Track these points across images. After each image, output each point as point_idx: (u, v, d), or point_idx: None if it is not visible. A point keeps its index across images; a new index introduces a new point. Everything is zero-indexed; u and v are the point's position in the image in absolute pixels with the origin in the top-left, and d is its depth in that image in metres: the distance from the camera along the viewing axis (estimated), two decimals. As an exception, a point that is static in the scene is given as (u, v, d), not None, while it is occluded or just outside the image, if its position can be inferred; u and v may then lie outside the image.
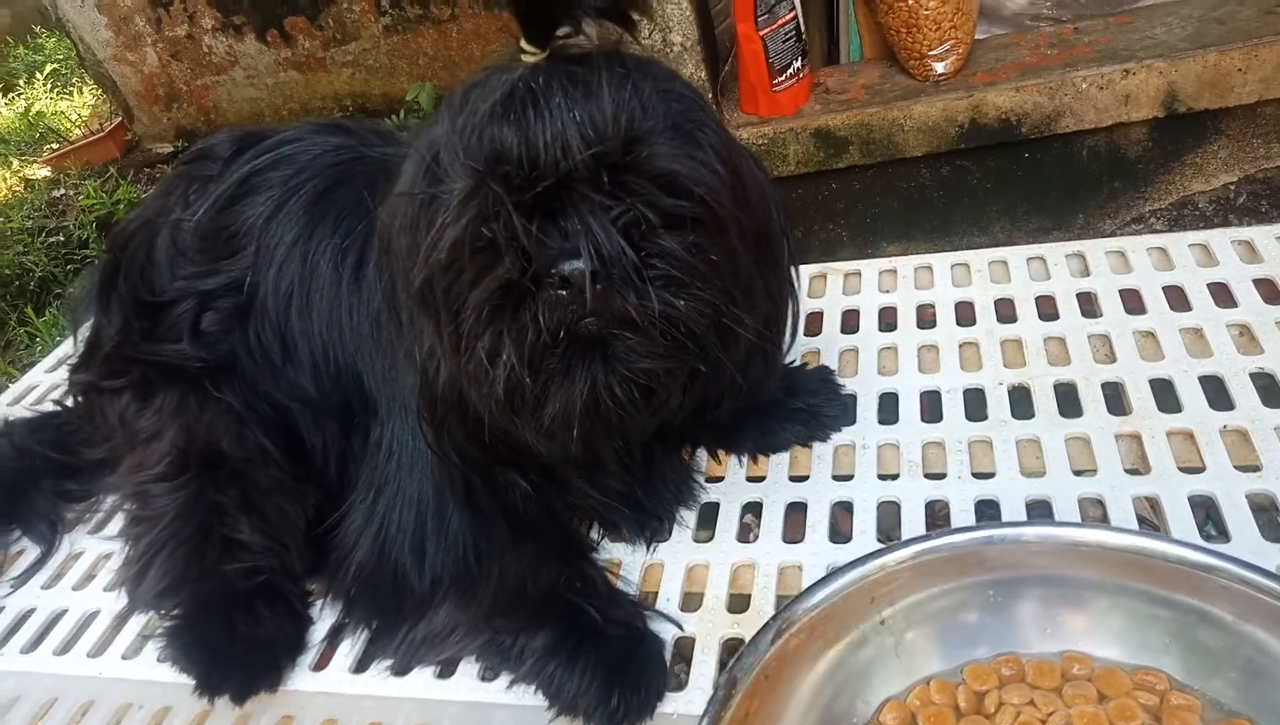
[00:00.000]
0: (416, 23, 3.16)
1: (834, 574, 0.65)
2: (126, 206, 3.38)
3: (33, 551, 1.00)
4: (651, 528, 0.86)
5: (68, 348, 1.31)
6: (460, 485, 0.82)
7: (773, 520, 0.83)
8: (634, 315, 0.59)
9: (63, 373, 1.26)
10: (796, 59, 1.62)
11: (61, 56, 4.72)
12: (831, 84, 1.68)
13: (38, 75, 4.52)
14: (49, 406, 1.11)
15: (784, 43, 1.60)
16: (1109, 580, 0.60)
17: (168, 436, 0.92)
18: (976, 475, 0.82)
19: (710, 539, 0.84)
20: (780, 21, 1.57)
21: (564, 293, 0.59)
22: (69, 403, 1.09)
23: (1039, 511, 0.79)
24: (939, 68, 1.58)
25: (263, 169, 0.94)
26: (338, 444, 0.93)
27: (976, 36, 1.62)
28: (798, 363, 0.96)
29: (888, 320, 1.01)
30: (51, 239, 3.36)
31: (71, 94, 4.42)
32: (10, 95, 4.50)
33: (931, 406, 0.90)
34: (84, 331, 1.04)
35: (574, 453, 0.70)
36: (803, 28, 1.62)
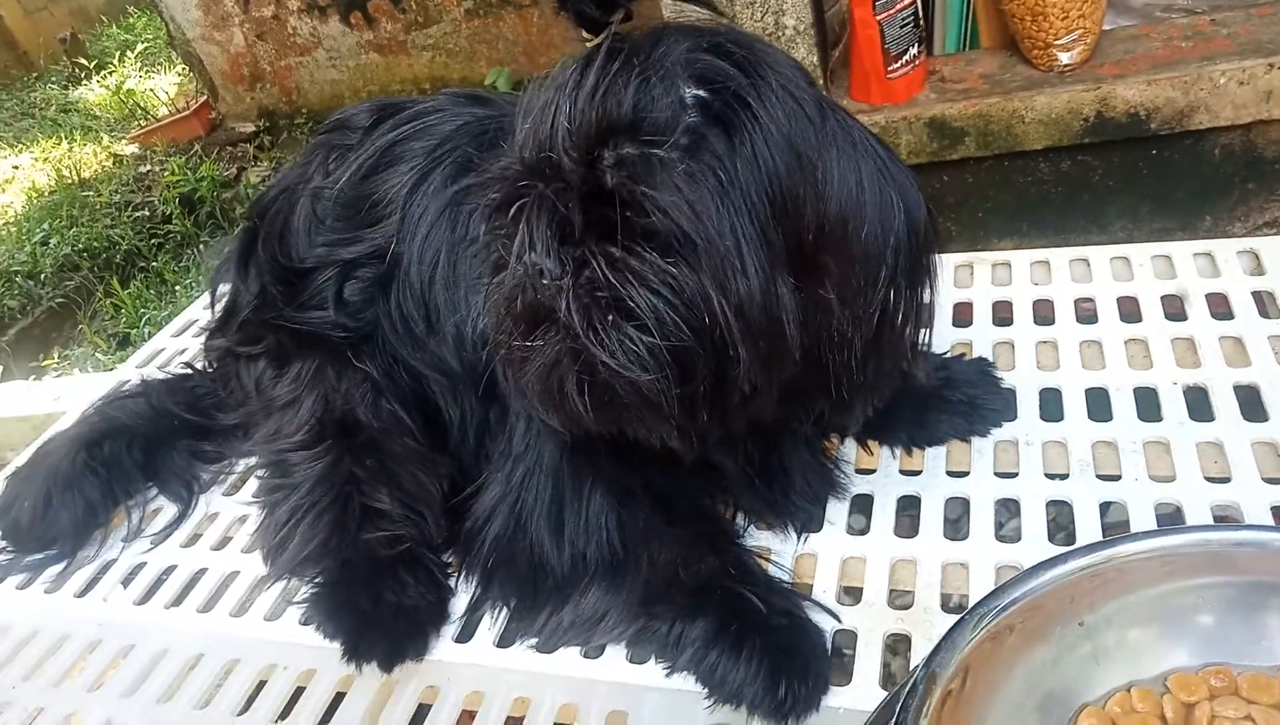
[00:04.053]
0: (498, 7, 3.16)
1: (1035, 569, 0.62)
2: (209, 183, 3.45)
3: (169, 510, 1.01)
4: (799, 517, 0.83)
5: (192, 312, 1.34)
6: (595, 456, 0.80)
7: (932, 515, 0.80)
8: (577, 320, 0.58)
9: (189, 337, 1.27)
10: (913, 45, 1.57)
11: (151, 36, 4.86)
12: (948, 72, 1.63)
13: (129, 54, 4.65)
14: (180, 369, 1.13)
15: (901, 28, 1.55)
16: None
17: (305, 404, 0.92)
18: (1154, 478, 0.78)
19: (865, 531, 0.81)
20: (899, 6, 1.53)
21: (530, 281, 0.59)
22: (199, 366, 1.11)
23: (1227, 518, 0.74)
24: (1064, 58, 1.52)
25: (405, 138, 0.93)
26: (477, 416, 0.92)
27: (1104, 27, 1.56)
28: (950, 353, 0.93)
29: (1042, 313, 0.96)
30: (137, 213, 3.45)
31: (160, 72, 4.54)
32: (103, 73, 4.63)
33: (1098, 404, 0.85)
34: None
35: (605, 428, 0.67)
36: (920, 13, 1.57)
